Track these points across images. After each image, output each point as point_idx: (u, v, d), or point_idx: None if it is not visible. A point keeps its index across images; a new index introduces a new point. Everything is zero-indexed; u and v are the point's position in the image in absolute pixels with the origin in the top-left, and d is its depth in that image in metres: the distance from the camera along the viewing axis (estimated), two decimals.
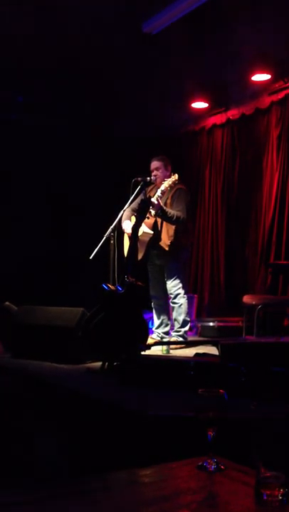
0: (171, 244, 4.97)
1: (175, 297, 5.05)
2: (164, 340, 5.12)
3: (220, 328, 5.80)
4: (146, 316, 4.70)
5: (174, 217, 4.84)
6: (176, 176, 4.91)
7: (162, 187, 4.85)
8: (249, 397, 2.56)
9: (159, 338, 5.15)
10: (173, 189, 4.99)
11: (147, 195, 4.92)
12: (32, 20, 5.96)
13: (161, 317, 5.21)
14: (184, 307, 5.06)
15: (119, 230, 4.99)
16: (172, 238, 4.98)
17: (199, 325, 6.03)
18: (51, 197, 7.05)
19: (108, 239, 4.84)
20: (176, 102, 7.10)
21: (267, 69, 5.90)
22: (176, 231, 4.98)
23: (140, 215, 4.80)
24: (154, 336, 5.16)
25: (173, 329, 5.17)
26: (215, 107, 6.80)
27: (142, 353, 3.94)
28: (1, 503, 1.17)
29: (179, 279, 5.07)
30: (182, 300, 5.05)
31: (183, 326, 5.06)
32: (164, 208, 4.81)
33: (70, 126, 7.17)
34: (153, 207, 4.76)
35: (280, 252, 5.84)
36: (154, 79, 7.11)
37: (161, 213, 4.79)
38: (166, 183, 4.85)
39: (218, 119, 6.86)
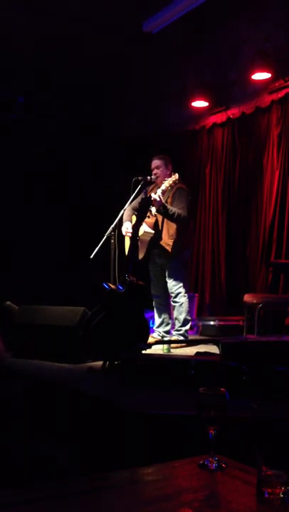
0: (172, 243, 4.97)
1: (176, 296, 5.05)
2: (165, 339, 5.12)
3: (221, 327, 5.80)
4: (147, 315, 4.70)
5: (176, 215, 4.84)
6: (176, 176, 4.91)
7: (163, 186, 4.84)
8: (250, 395, 2.57)
9: (159, 337, 5.15)
10: (173, 188, 4.98)
11: (148, 195, 4.92)
12: (32, 21, 5.98)
13: (162, 316, 5.21)
14: (185, 306, 5.06)
15: (119, 229, 5.00)
16: (173, 237, 4.98)
17: (200, 324, 6.03)
18: (51, 196, 7.05)
19: (109, 238, 4.84)
20: (177, 101, 7.11)
21: (267, 68, 5.89)
22: (177, 230, 4.98)
23: (141, 214, 4.80)
24: (154, 335, 5.16)
25: (174, 328, 5.17)
26: (215, 106, 6.79)
27: (143, 352, 3.94)
28: (0, 503, 1.17)
29: (180, 278, 5.07)
30: (183, 299, 5.05)
31: (184, 324, 5.07)
32: (166, 204, 4.81)
33: (70, 125, 7.17)
34: (155, 204, 4.75)
35: (281, 251, 5.84)
36: (155, 78, 7.12)
37: (162, 210, 4.79)
38: (166, 183, 4.85)
39: (219, 118, 6.85)
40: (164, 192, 4.85)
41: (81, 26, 6.17)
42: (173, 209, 4.84)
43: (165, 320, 5.22)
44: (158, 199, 4.71)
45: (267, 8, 5.88)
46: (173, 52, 6.75)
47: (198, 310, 6.65)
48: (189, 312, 5.20)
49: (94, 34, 6.33)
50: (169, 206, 4.83)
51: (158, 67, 7.09)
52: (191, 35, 6.39)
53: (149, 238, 4.90)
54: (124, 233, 5.00)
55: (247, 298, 5.25)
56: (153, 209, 4.88)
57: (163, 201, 4.78)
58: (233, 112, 6.64)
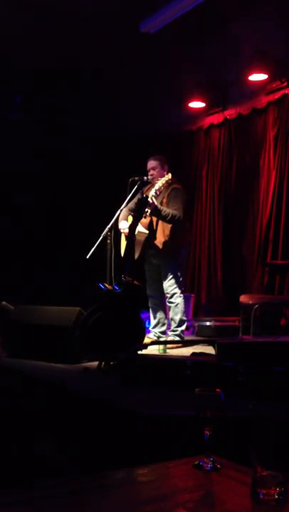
0: (167, 243, 4.97)
1: (171, 297, 5.05)
2: (161, 339, 5.13)
3: (217, 328, 5.81)
4: (142, 316, 4.70)
5: (170, 216, 4.84)
6: (169, 176, 4.92)
7: (156, 186, 4.86)
8: (246, 396, 2.57)
9: (155, 338, 5.15)
10: (169, 188, 4.99)
11: (144, 195, 4.93)
12: (31, 21, 5.97)
13: (158, 316, 5.22)
14: (181, 306, 5.07)
15: (116, 230, 5.00)
16: (168, 237, 4.98)
17: (196, 324, 6.04)
18: (48, 196, 7.05)
19: (105, 238, 4.84)
20: (174, 101, 7.11)
21: (264, 69, 5.91)
22: (172, 230, 4.98)
23: (137, 214, 4.80)
24: (150, 335, 5.17)
25: (170, 329, 5.17)
26: (212, 107, 6.81)
27: (139, 352, 3.95)
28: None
29: (176, 278, 5.07)
30: (179, 299, 5.05)
31: (180, 325, 5.07)
32: (159, 206, 4.81)
33: (67, 124, 7.16)
34: (148, 206, 4.76)
35: (277, 252, 5.85)
36: (152, 78, 7.12)
37: (156, 213, 4.80)
38: (159, 183, 4.86)
39: (216, 118, 6.87)
40: (158, 192, 4.86)
41: (78, 26, 6.16)
42: (167, 210, 4.84)
43: (161, 320, 5.22)
44: (150, 201, 4.72)
45: (264, 9, 5.88)
46: (170, 53, 6.74)
47: (194, 310, 6.66)
48: (185, 313, 5.20)
49: (91, 34, 6.32)
50: (162, 208, 4.83)
51: (155, 68, 7.08)
52: (188, 35, 6.38)
53: (143, 238, 4.91)
54: (121, 231, 5.00)
55: (243, 298, 5.26)
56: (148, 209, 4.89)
57: (156, 203, 4.78)
58: (230, 113, 6.66)
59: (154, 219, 4.97)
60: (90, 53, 6.64)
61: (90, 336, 3.91)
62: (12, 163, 6.86)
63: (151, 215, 4.84)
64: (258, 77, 6.02)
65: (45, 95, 6.97)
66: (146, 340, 4.71)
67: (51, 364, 4.07)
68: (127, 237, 4.84)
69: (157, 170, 5.11)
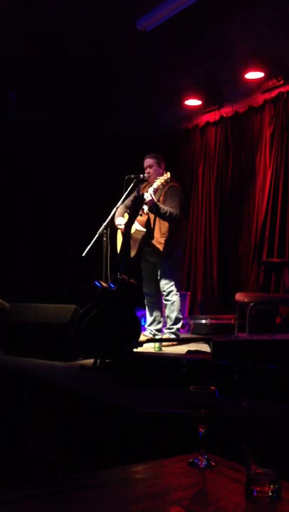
0: (164, 242, 4.98)
1: (168, 294, 5.06)
2: (157, 337, 5.13)
3: (212, 326, 5.82)
4: (138, 314, 4.70)
5: (168, 214, 4.84)
6: (168, 174, 4.92)
7: (154, 185, 4.85)
8: (241, 394, 2.57)
9: (151, 336, 5.16)
10: (166, 187, 4.99)
11: (140, 193, 4.92)
12: (29, 19, 5.96)
13: (154, 314, 5.22)
14: (177, 304, 5.07)
15: (112, 227, 4.99)
16: (165, 236, 4.99)
17: (192, 322, 6.04)
18: (44, 193, 7.03)
19: (101, 236, 4.84)
20: (170, 99, 7.11)
21: (260, 67, 5.91)
22: (169, 229, 4.99)
23: (133, 212, 4.80)
24: (146, 333, 5.17)
25: (165, 326, 5.18)
26: (208, 105, 6.81)
27: (135, 350, 3.95)
28: None
29: (172, 276, 5.07)
30: (175, 297, 5.06)
31: (175, 323, 5.07)
32: (158, 203, 4.81)
33: (64, 123, 7.14)
34: (146, 203, 4.76)
35: (273, 250, 5.86)
36: (148, 76, 7.12)
37: (154, 209, 4.80)
38: (158, 181, 4.86)
39: (212, 116, 6.87)
40: (156, 190, 4.86)
41: (75, 24, 6.15)
42: (165, 208, 4.85)
43: (157, 318, 5.23)
44: (149, 198, 4.72)
45: (260, 7, 5.89)
46: (166, 51, 6.74)
47: (190, 308, 6.67)
48: (181, 310, 5.21)
49: (88, 32, 6.31)
50: (161, 205, 4.84)
51: (152, 66, 7.08)
52: (184, 33, 6.39)
53: (140, 236, 4.90)
54: (118, 226, 5.00)
55: (238, 297, 5.26)
56: (145, 207, 4.88)
57: (155, 200, 4.78)
58: (226, 111, 6.66)
59: (152, 217, 4.97)
60: (86, 51, 6.63)
61: (86, 333, 3.90)
62: (7, 162, 6.84)
63: (149, 211, 4.83)
64: (254, 75, 6.02)
65: (40, 93, 6.95)
66: (142, 338, 4.71)
67: (47, 362, 4.07)
68: (123, 235, 4.84)
69: (154, 168, 5.11)
